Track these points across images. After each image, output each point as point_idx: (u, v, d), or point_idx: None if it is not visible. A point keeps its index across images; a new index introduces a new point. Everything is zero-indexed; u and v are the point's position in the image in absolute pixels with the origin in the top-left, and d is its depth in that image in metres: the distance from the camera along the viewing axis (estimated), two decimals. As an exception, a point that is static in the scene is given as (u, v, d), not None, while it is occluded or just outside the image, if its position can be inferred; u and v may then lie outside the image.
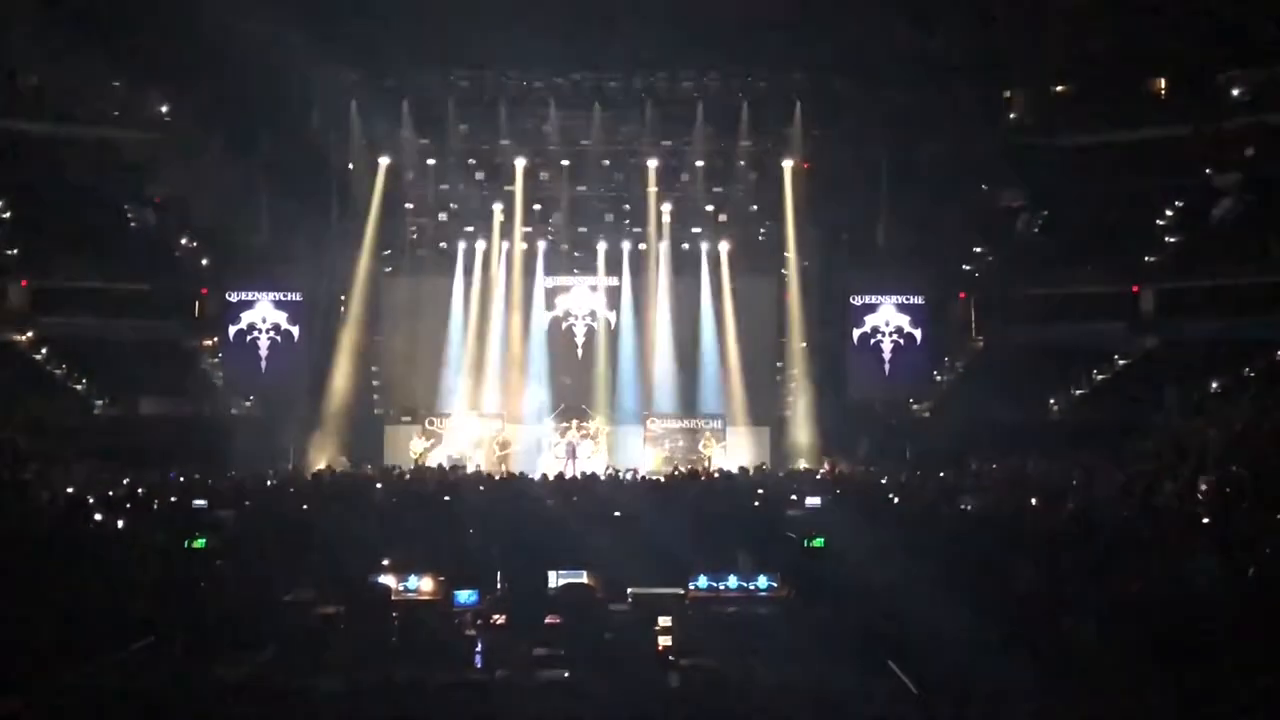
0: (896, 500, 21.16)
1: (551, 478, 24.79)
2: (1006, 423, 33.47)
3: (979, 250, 37.18)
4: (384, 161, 36.01)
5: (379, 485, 24.15)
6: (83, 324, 35.74)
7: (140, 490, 22.19)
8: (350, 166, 36.08)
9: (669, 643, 9.86)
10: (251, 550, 13.48)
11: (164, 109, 36.86)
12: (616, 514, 17.22)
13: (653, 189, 36.54)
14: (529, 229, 37.04)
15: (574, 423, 34.28)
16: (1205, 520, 15.07)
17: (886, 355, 36.27)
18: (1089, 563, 11.91)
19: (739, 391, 36.09)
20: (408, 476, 27.31)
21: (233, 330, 36.20)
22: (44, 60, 33.98)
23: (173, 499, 20.37)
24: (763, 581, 11.16)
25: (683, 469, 30.29)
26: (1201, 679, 8.27)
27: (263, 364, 36.12)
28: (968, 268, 37.44)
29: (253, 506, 18.61)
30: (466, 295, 36.37)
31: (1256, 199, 34.65)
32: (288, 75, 31.26)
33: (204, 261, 37.25)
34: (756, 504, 20.36)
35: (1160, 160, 35.30)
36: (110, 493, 21.75)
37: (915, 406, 36.83)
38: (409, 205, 37.23)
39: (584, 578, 10.95)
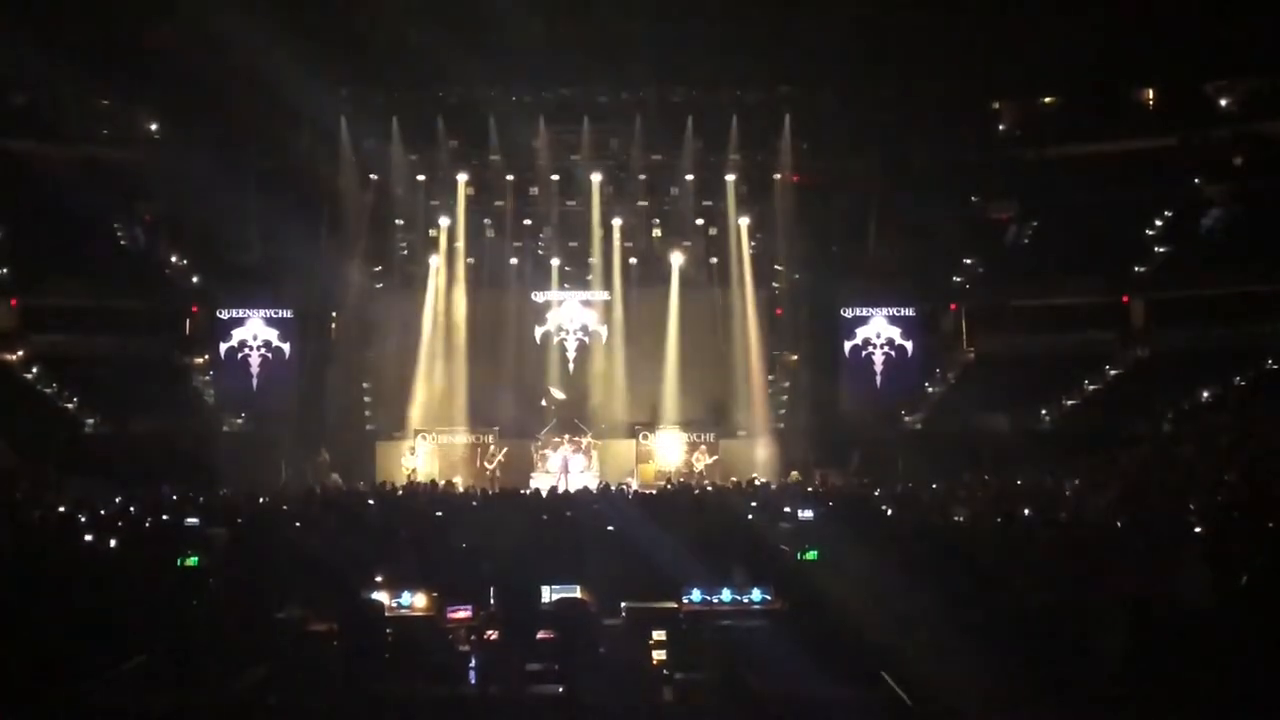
0: (889, 512, 21.12)
1: (544, 492, 24.77)
2: (998, 433, 33.53)
3: (969, 261, 37.21)
4: (373, 178, 36.09)
5: (371, 501, 24.11)
6: (73, 342, 35.77)
7: (132, 508, 22.14)
8: (340, 183, 36.04)
9: (663, 656, 9.85)
10: (244, 568, 13.43)
11: (153, 127, 36.90)
12: (610, 528, 17.19)
13: (642, 203, 36.62)
14: (519, 244, 37.08)
15: (566, 437, 34.21)
16: (1197, 530, 15.05)
17: (878, 367, 36.37)
18: (1081, 573, 11.91)
19: (731, 405, 36.14)
20: (400, 492, 27.26)
21: (224, 347, 36.26)
22: (33, 79, 33.99)
23: (164, 517, 20.30)
24: (756, 594, 11.12)
25: (675, 483, 30.28)
26: (1193, 687, 8.28)
27: (254, 381, 36.16)
28: (958, 279, 37.47)
29: (245, 524, 18.52)
30: (457, 310, 36.36)
31: (1245, 209, 34.77)
32: (277, 93, 31.24)
33: (194, 279, 37.26)
34: (749, 517, 20.34)
35: (1149, 170, 35.43)
36: (101, 511, 21.70)
37: (907, 418, 36.78)
38: (399, 221, 37.23)
39: (577, 592, 10.93)
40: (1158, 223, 35.72)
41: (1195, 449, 27.74)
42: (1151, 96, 37.57)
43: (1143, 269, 36.17)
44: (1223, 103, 35.68)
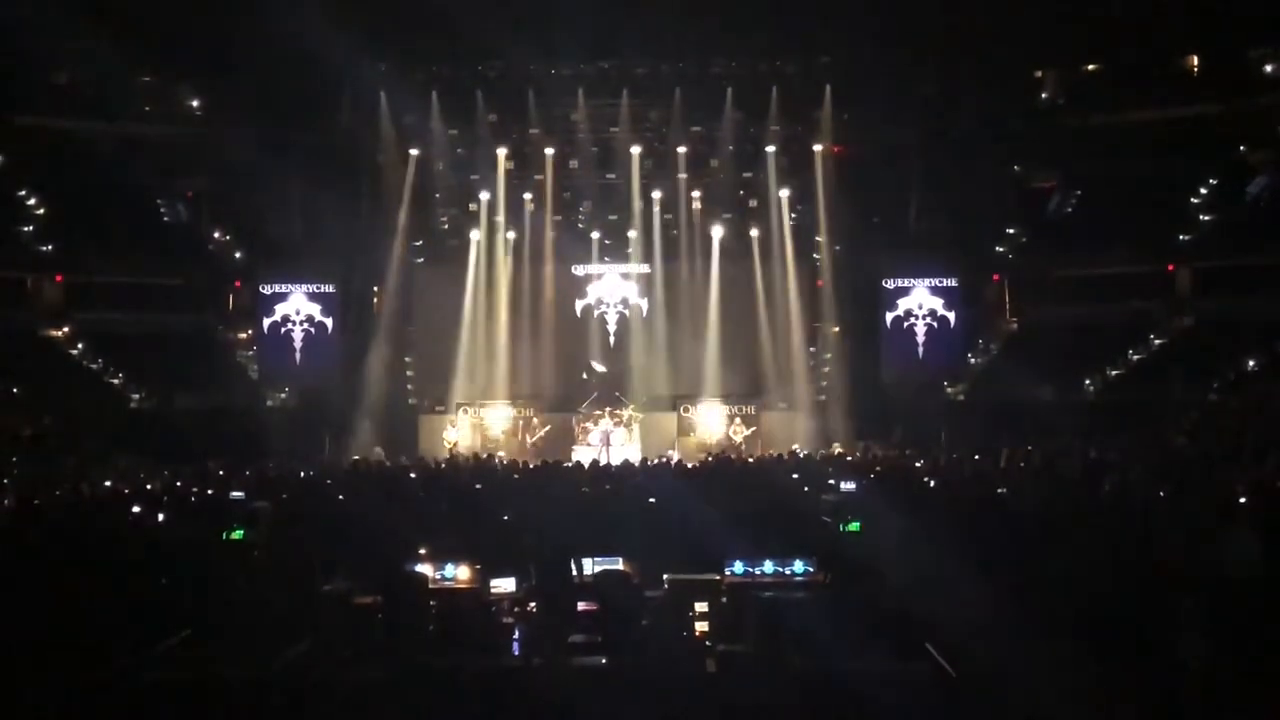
0: (932, 484, 21.06)
1: (586, 465, 24.81)
2: (1042, 404, 33.36)
3: (1012, 231, 37.04)
4: (414, 153, 36.09)
5: (413, 475, 24.21)
6: (118, 318, 36.06)
7: (178, 483, 22.34)
8: (380, 158, 36.13)
9: (705, 628, 9.85)
10: (288, 541, 13.51)
11: (195, 103, 37.00)
12: (651, 500, 17.21)
13: (682, 175, 36.48)
14: (559, 217, 37.05)
15: (607, 410, 34.14)
16: (1243, 499, 14.93)
17: (920, 338, 36.17)
18: (1126, 543, 11.84)
19: (772, 376, 36.02)
20: (442, 466, 27.36)
21: (267, 323, 36.47)
22: (75, 57, 34.17)
23: (210, 491, 20.47)
24: (799, 566, 11.10)
25: (716, 455, 30.24)
26: (1243, 657, 8.23)
27: (297, 356, 36.36)
28: (1001, 249, 37.30)
29: (289, 498, 18.64)
30: (498, 284, 36.41)
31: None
32: (318, 68, 31.33)
33: (237, 255, 37.63)
34: (791, 489, 20.31)
35: (1194, 138, 34.94)
36: (148, 486, 21.92)
37: (950, 389, 36.66)
38: (439, 195, 37.27)
39: (620, 564, 10.93)
40: (1202, 191, 35.34)
41: (1241, 418, 27.51)
42: (1196, 63, 37.05)
43: (1187, 237, 35.87)
44: (1268, 69, 35.12)
